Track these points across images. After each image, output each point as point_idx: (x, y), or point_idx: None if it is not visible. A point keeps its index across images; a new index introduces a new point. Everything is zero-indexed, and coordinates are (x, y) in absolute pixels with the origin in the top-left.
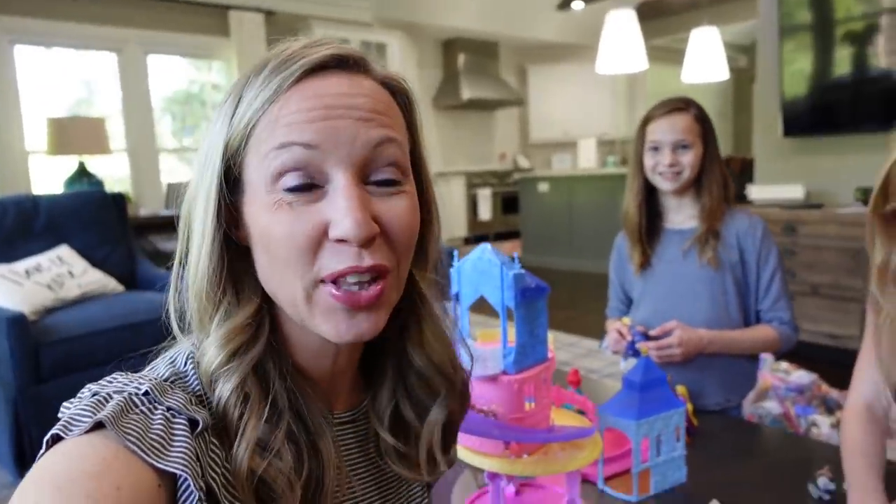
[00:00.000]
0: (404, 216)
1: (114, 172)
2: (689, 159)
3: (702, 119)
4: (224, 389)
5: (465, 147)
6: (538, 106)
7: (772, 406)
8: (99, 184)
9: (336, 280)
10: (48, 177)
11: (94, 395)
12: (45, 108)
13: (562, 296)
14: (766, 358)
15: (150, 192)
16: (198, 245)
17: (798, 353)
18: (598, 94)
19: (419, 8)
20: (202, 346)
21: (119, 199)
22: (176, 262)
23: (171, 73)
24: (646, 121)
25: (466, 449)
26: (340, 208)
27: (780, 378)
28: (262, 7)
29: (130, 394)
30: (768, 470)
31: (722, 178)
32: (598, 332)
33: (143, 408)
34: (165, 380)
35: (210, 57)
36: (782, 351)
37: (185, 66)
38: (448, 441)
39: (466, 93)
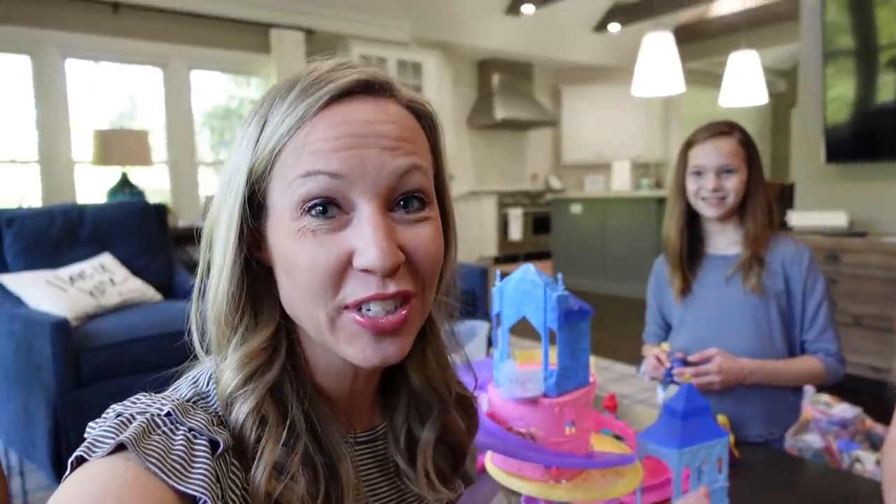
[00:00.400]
0: (429, 244)
1: (154, 184)
2: (733, 184)
3: (746, 143)
4: (240, 412)
5: (498, 166)
6: (571, 127)
7: (813, 439)
8: (140, 194)
9: (360, 306)
10: (93, 186)
11: (117, 415)
12: (92, 120)
13: (593, 319)
14: (807, 389)
15: (189, 204)
16: (218, 267)
17: (840, 386)
18: (633, 116)
19: (456, 28)
20: (219, 369)
21: (160, 210)
22: (197, 280)
23: (212, 88)
24: (689, 144)
25: (503, 472)
26: (366, 237)
27: (821, 411)
28: (303, 26)
29: (153, 415)
30: None
31: (766, 203)
32: (630, 357)
33: (164, 429)
34: (188, 400)
35: (250, 73)
36: (828, 384)
37: (225, 82)
38: (457, 462)
39: (500, 112)
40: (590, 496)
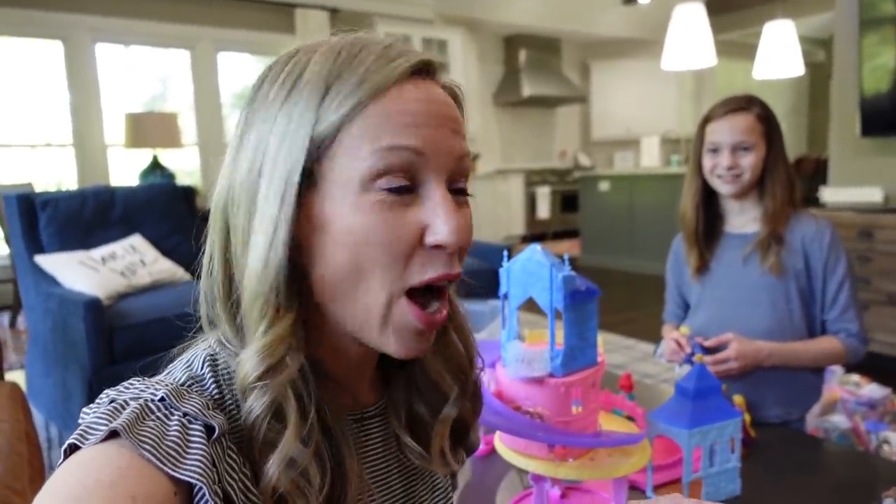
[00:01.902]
0: (471, 226)
1: (185, 165)
2: (749, 162)
3: (765, 118)
4: (256, 405)
5: (525, 144)
6: (601, 103)
7: (839, 420)
8: (171, 176)
9: (416, 295)
10: (126, 169)
11: (111, 401)
12: (124, 104)
13: (620, 297)
14: (835, 370)
15: None
16: (265, 245)
17: (871, 366)
18: (663, 90)
19: (481, 4)
20: (241, 356)
21: (189, 192)
22: (204, 269)
23: (238, 69)
24: (705, 120)
25: (511, 450)
26: (441, 214)
27: (849, 391)
28: (327, 5)
29: (146, 400)
30: (830, 488)
31: (787, 180)
32: (657, 336)
33: (158, 414)
34: (182, 384)
35: (275, 53)
36: (849, 363)
37: (252, 63)
38: (460, 440)
39: (527, 89)
40: (596, 475)
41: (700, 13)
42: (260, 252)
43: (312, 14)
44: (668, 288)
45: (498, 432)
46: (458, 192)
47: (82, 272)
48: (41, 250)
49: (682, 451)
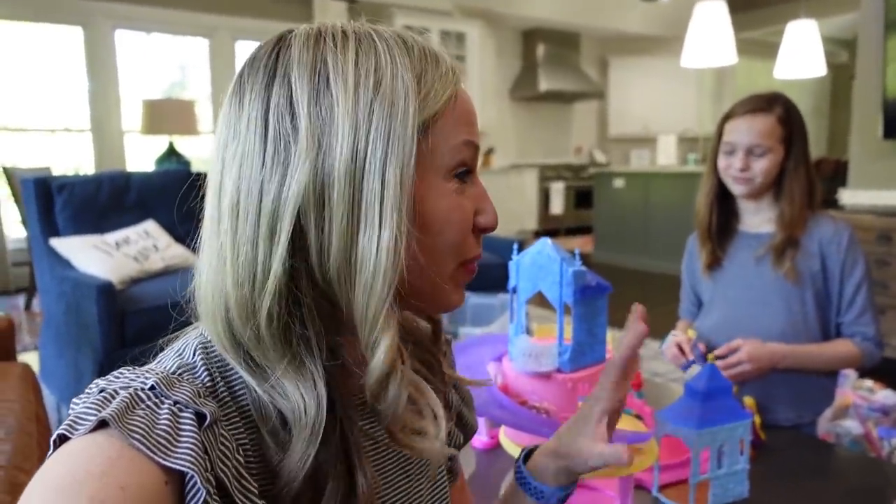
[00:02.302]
0: None
1: (200, 153)
2: (762, 166)
3: (787, 120)
4: (401, 394)
5: (541, 139)
6: (618, 99)
7: (851, 425)
8: (187, 163)
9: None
10: (142, 155)
11: (100, 391)
12: (142, 91)
13: (632, 295)
14: (849, 374)
15: None
16: (387, 240)
17: (885, 371)
18: (682, 88)
19: None
20: (373, 355)
21: (204, 179)
22: (242, 268)
23: None
24: (725, 118)
25: (516, 444)
26: (486, 201)
27: (862, 396)
28: None
29: (136, 389)
30: (840, 493)
31: (807, 183)
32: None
33: (149, 403)
34: (173, 372)
35: None
36: (864, 368)
37: None
38: (433, 359)
39: (544, 84)
40: (602, 473)
41: (722, 10)
42: (385, 249)
43: (331, 4)
44: (683, 285)
45: (503, 426)
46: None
47: (96, 256)
48: (56, 233)
49: (689, 451)
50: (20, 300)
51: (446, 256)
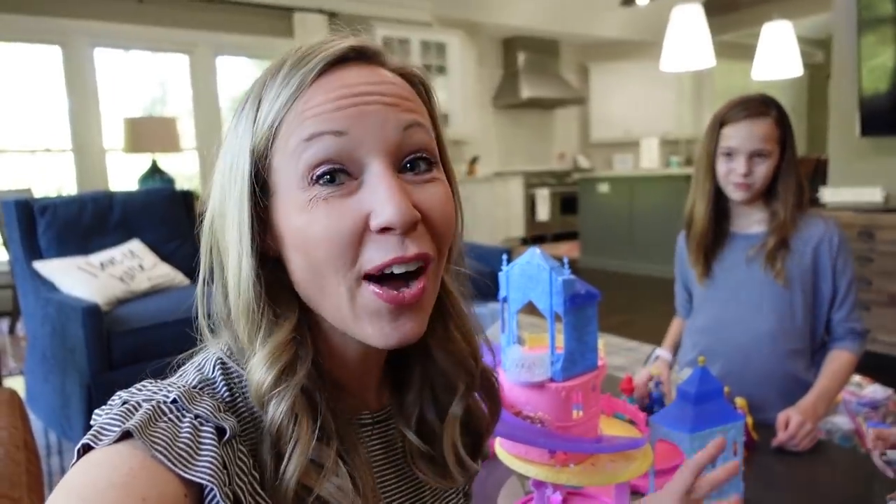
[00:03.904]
0: (444, 203)
1: (184, 170)
2: (763, 170)
3: (782, 122)
4: (277, 412)
5: (524, 146)
6: (599, 105)
7: (841, 421)
8: (170, 181)
9: (380, 278)
10: (125, 174)
11: (123, 403)
12: (123, 108)
13: (620, 299)
14: None
15: None
16: (235, 258)
17: (873, 366)
18: (662, 92)
19: (479, 7)
20: (249, 367)
21: (187, 196)
22: (200, 280)
23: (238, 73)
24: (721, 122)
25: (512, 455)
26: (381, 195)
27: (851, 392)
28: (325, 8)
29: (159, 402)
30: (834, 489)
31: (797, 184)
32: (658, 338)
33: (171, 416)
34: (194, 387)
35: (273, 57)
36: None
37: (250, 67)
38: (476, 445)
39: (526, 91)
40: (598, 480)
41: (698, 14)
42: (233, 266)
43: (310, 18)
44: (676, 283)
45: (498, 437)
46: (417, 168)
47: (81, 277)
48: (40, 256)
49: (682, 454)
50: (3, 324)
51: (326, 275)
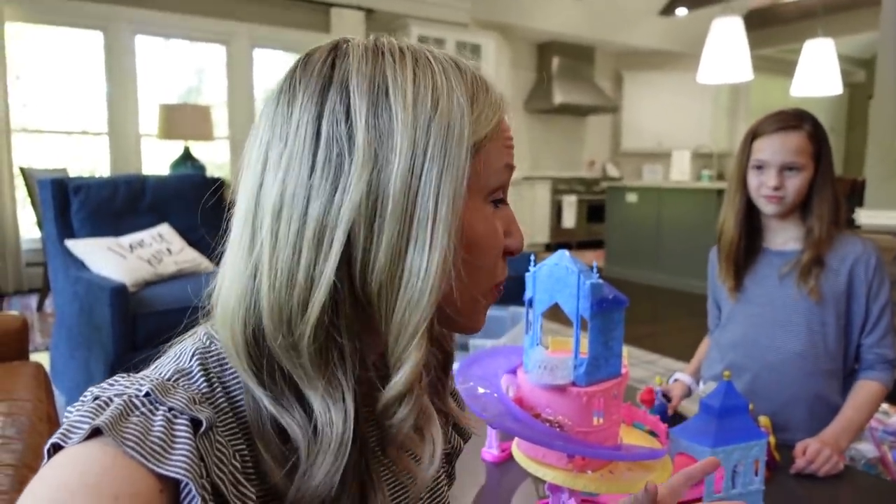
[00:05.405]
0: None
1: (215, 158)
2: (795, 183)
3: (815, 137)
4: (409, 416)
5: (554, 152)
6: (632, 114)
7: (866, 448)
8: (201, 168)
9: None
10: (158, 159)
11: (95, 398)
12: (159, 95)
13: (643, 311)
14: None
15: None
16: (438, 259)
17: None
18: (697, 104)
19: (517, 10)
20: (395, 373)
21: (218, 184)
22: (285, 277)
23: (273, 66)
24: (753, 135)
25: (528, 458)
26: (514, 225)
27: (877, 420)
28: (363, 5)
29: (131, 396)
30: None
31: (834, 200)
32: (679, 352)
33: (143, 409)
34: (168, 379)
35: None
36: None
37: (286, 60)
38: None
39: (558, 97)
40: (615, 488)
41: (738, 27)
42: (436, 260)
43: (348, 14)
44: (708, 298)
45: (516, 439)
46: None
47: (110, 258)
48: (72, 235)
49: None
50: (33, 300)
51: (483, 278)
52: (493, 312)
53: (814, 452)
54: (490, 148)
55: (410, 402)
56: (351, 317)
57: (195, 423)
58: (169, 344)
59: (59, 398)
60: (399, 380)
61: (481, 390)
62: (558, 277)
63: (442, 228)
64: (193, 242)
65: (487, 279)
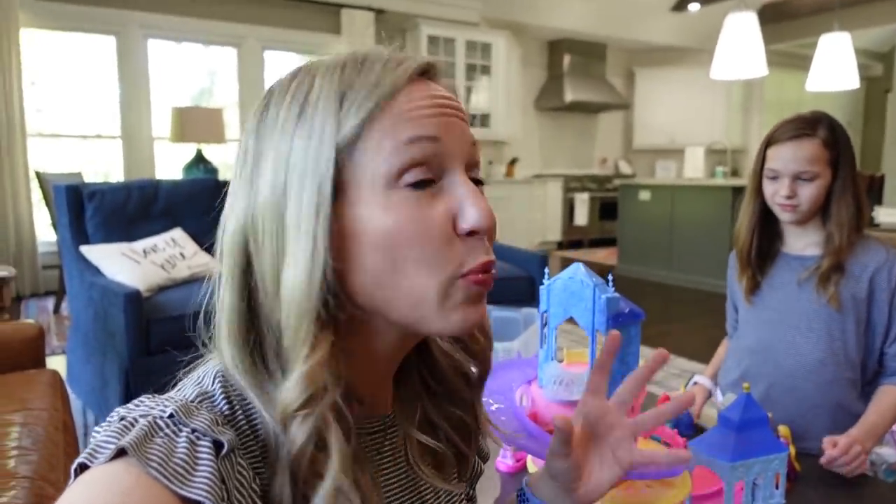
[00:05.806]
0: (493, 214)
1: (228, 160)
2: (808, 193)
3: (832, 143)
4: (298, 434)
5: (566, 150)
6: (644, 110)
7: (887, 453)
8: (214, 171)
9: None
10: (171, 162)
11: (121, 419)
12: (172, 98)
13: (655, 309)
14: None
15: None
16: (303, 261)
17: None
18: (710, 100)
19: (527, 8)
20: (284, 384)
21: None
22: (228, 282)
23: (283, 68)
24: (768, 143)
25: None
26: (468, 200)
27: None
28: (373, 6)
29: (155, 417)
30: None
31: (855, 205)
32: (694, 352)
33: (167, 431)
34: (192, 400)
35: (320, 54)
36: None
37: (297, 62)
38: (470, 436)
39: (570, 95)
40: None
41: (752, 22)
42: (301, 270)
43: (358, 15)
44: (727, 301)
45: (530, 454)
46: (475, 182)
47: (125, 264)
48: (86, 241)
49: (719, 480)
50: (49, 302)
51: (430, 271)
52: (505, 314)
53: (845, 445)
54: (378, 129)
55: (302, 420)
56: (264, 333)
57: (217, 445)
58: (186, 369)
59: (76, 402)
60: (284, 394)
61: (495, 406)
62: (573, 291)
63: (304, 239)
64: (206, 247)
65: (439, 270)
